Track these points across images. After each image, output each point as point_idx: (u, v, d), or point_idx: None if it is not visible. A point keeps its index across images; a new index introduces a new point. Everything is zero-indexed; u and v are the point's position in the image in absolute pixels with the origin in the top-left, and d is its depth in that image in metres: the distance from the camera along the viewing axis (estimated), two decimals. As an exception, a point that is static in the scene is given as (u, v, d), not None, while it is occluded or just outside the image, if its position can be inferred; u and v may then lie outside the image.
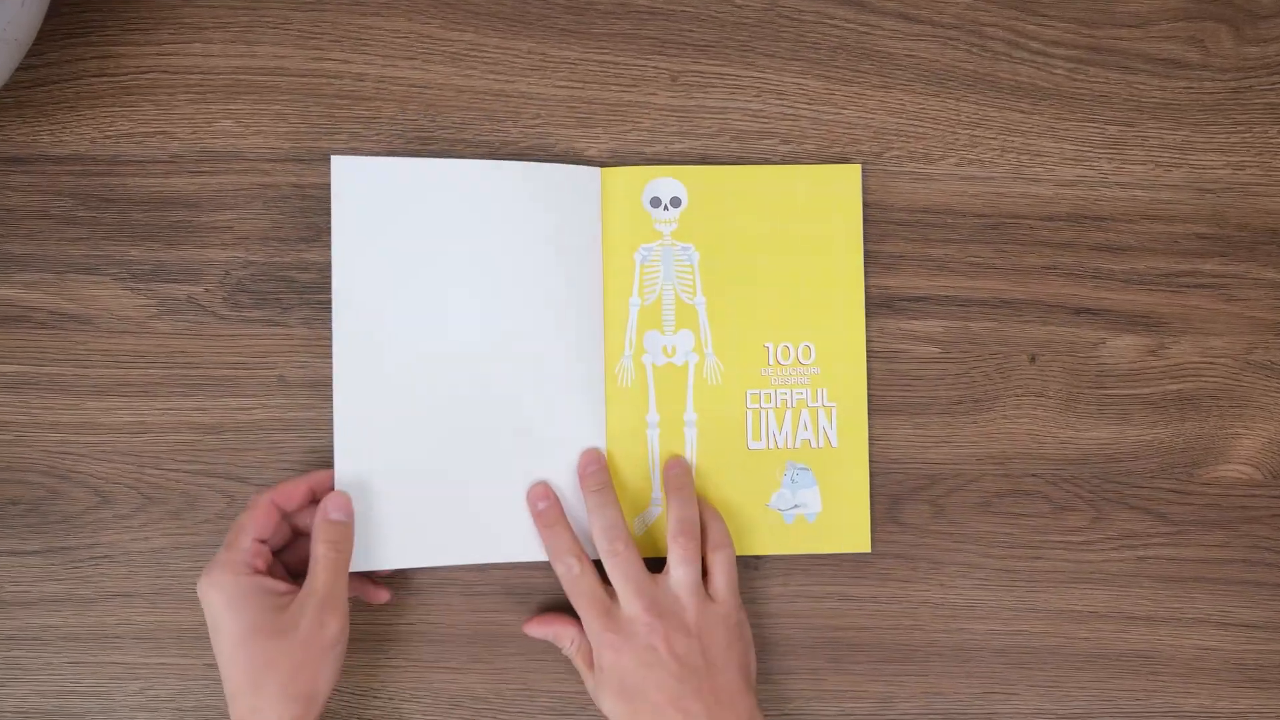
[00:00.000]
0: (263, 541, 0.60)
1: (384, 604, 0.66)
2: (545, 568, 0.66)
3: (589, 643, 0.62)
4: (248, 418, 0.66)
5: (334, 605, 0.58)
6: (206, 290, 0.66)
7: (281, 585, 0.59)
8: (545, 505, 0.62)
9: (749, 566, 0.68)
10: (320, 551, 0.59)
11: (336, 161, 0.63)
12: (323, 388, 0.66)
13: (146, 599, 0.66)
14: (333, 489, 0.62)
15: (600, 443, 0.65)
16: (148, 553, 0.66)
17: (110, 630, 0.66)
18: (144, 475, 0.66)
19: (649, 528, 0.66)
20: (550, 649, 0.67)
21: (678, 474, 0.63)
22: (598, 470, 0.62)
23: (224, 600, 0.57)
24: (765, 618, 0.68)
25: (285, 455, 0.66)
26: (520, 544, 0.64)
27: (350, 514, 0.61)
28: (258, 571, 0.59)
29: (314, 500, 0.62)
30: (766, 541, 0.67)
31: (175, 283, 0.66)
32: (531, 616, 0.64)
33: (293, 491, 0.61)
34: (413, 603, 0.67)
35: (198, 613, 0.65)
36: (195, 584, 0.65)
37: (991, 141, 0.68)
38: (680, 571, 0.61)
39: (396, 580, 0.67)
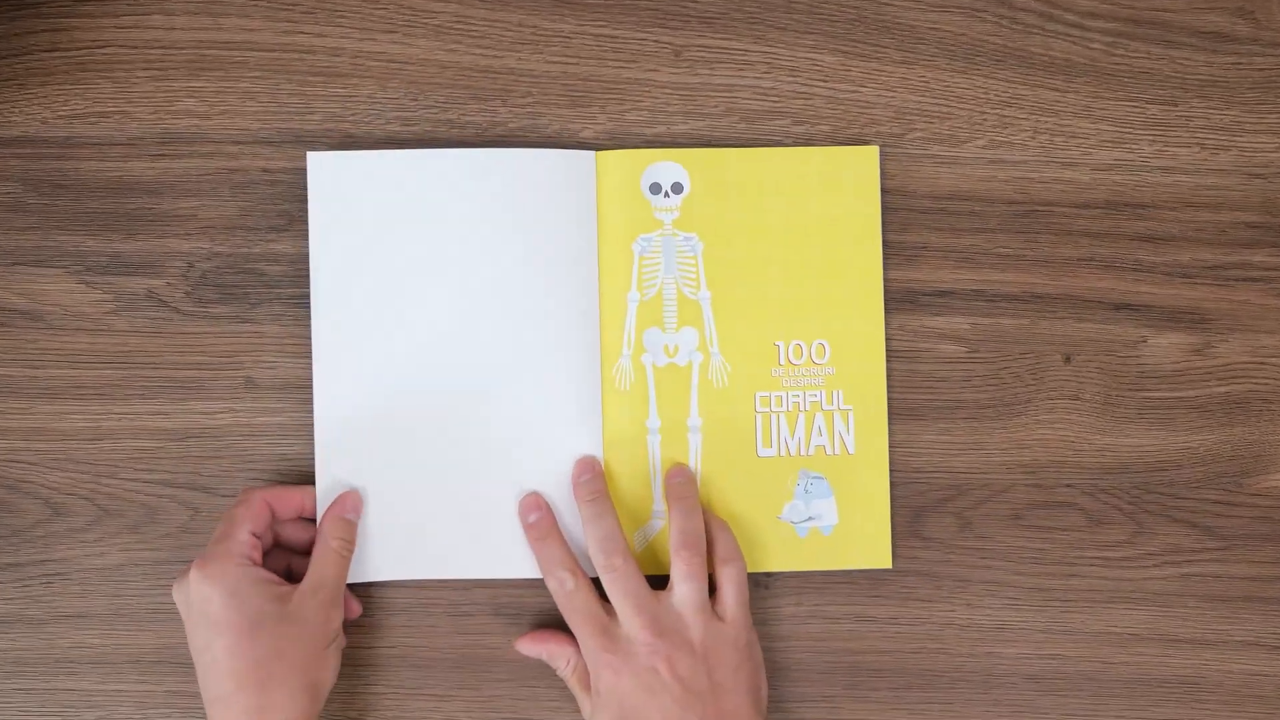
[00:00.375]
0: (257, 537, 0.59)
1: (357, 619, 0.64)
2: (537, 585, 0.64)
3: (585, 663, 0.60)
4: (213, 423, 0.64)
5: (336, 601, 0.58)
6: (168, 284, 0.64)
7: (279, 579, 0.58)
8: (537, 517, 0.61)
9: (759, 584, 0.65)
10: (333, 546, 0.59)
11: (313, 158, 0.62)
12: (294, 390, 0.64)
13: (103, 620, 0.64)
14: (315, 504, 0.62)
15: (596, 450, 0.64)
16: (104, 570, 0.64)
17: (63, 654, 0.64)
18: (100, 485, 0.64)
19: (650, 542, 0.64)
20: (543, 672, 0.65)
21: (680, 483, 0.61)
22: (592, 479, 0.61)
23: (224, 592, 0.56)
24: (776, 640, 0.65)
25: (254, 464, 0.64)
26: (510, 559, 0.63)
27: (359, 516, 0.61)
28: (255, 565, 0.58)
29: (302, 515, 0.62)
30: (778, 557, 0.64)
31: (134, 276, 0.64)
32: (524, 634, 0.62)
33: (287, 498, 0.61)
34: (393, 624, 0.64)
35: (159, 635, 0.64)
36: (158, 602, 0.64)
37: (1022, 122, 0.66)
38: (684, 588, 0.59)
39: (375, 599, 0.64)
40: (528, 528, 0.61)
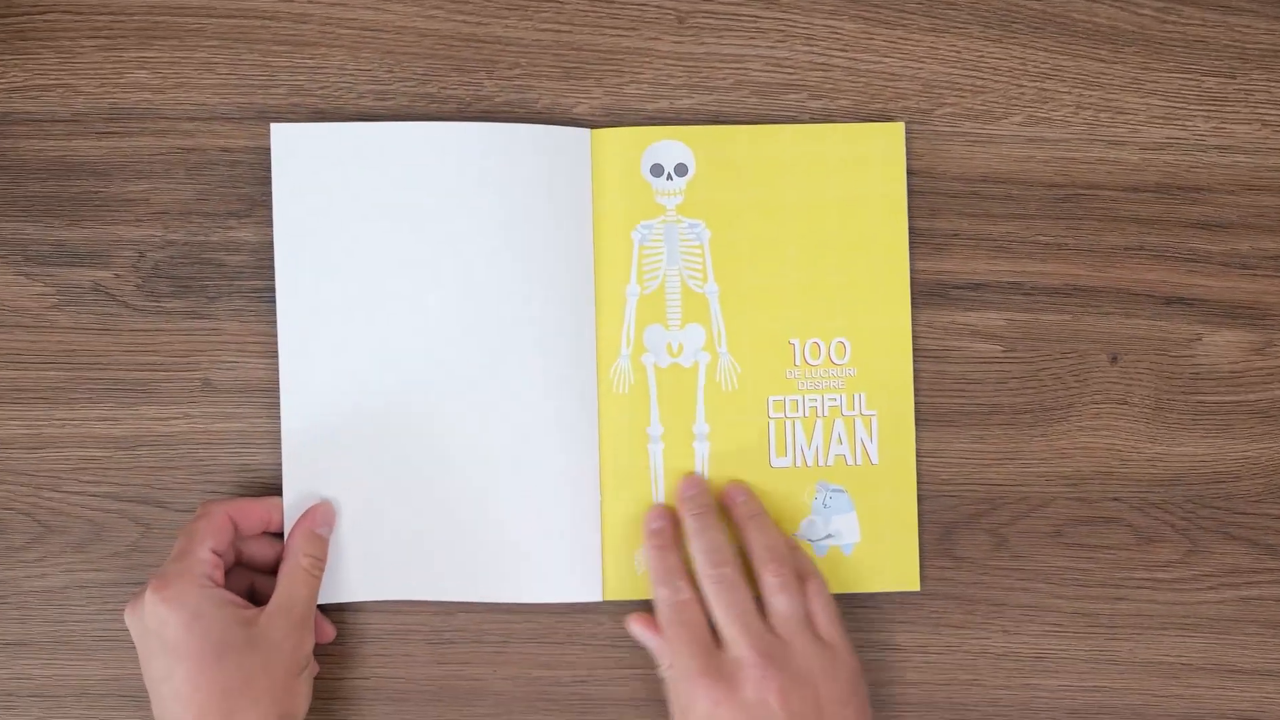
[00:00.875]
0: (219, 554, 0.58)
1: (329, 643, 0.62)
2: (525, 611, 0.63)
3: (673, 680, 0.59)
4: (167, 430, 0.63)
5: (307, 624, 0.58)
6: (117, 276, 0.63)
7: (243, 601, 0.58)
8: (661, 525, 0.61)
9: None
10: (302, 564, 0.59)
11: (277, 130, 0.61)
12: (257, 393, 0.63)
13: (44, 649, 0.63)
14: (283, 518, 0.62)
15: (591, 459, 0.62)
16: (46, 593, 0.63)
17: (1, 686, 0.63)
18: (41, 499, 0.63)
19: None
20: (532, 707, 0.63)
21: (746, 500, 0.61)
22: (698, 494, 0.61)
23: (184, 616, 0.55)
24: None
25: (213, 475, 0.63)
26: (496, 581, 0.62)
27: (331, 530, 0.61)
28: (217, 585, 0.57)
29: (267, 530, 0.61)
30: None
31: (79, 267, 0.63)
32: (637, 614, 0.61)
33: (250, 511, 0.60)
34: (366, 651, 0.63)
35: (108, 664, 0.63)
36: (106, 628, 0.63)
37: (1064, 96, 0.64)
38: (781, 601, 0.58)
39: (347, 623, 0.63)
40: (650, 534, 0.61)
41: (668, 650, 0.59)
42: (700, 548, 0.59)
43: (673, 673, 0.58)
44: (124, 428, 0.63)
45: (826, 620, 0.59)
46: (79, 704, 0.63)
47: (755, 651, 0.56)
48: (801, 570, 0.60)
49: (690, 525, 0.60)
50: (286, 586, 0.58)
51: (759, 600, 0.59)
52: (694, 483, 0.62)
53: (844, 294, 0.63)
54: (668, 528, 0.61)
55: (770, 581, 0.59)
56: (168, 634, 0.55)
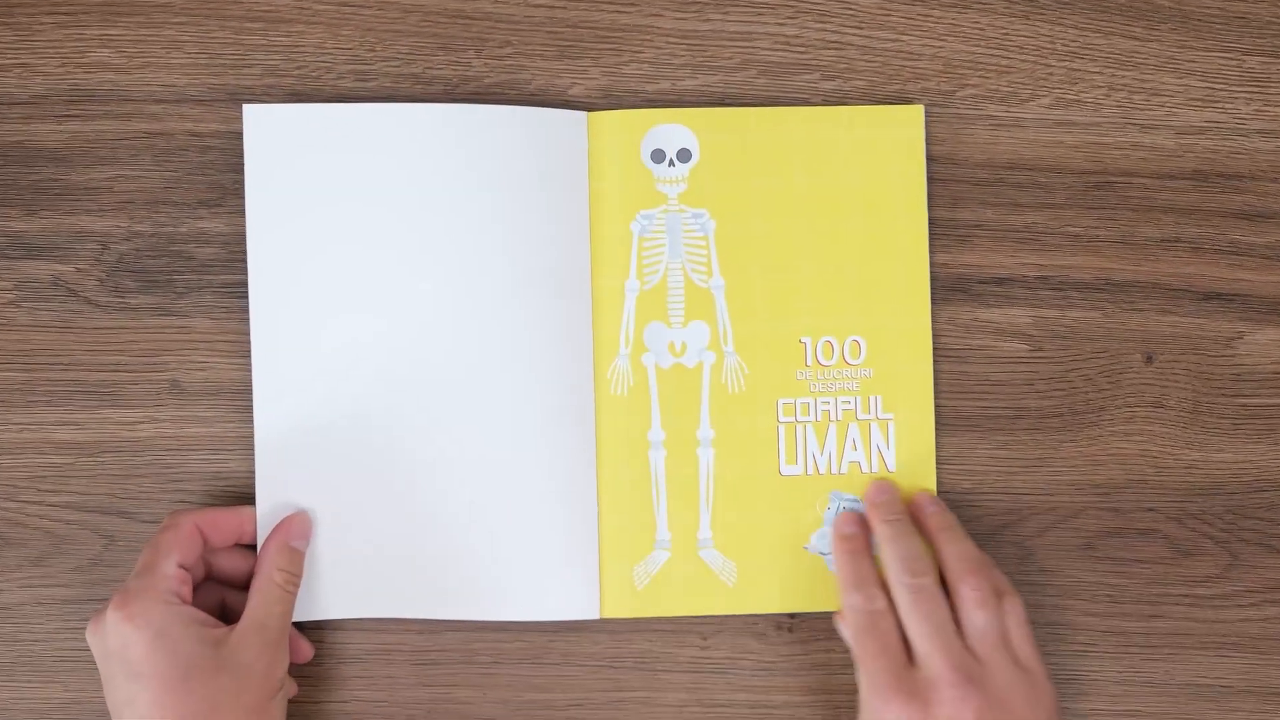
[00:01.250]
0: (186, 569, 0.57)
1: (305, 664, 0.62)
2: (517, 630, 0.62)
3: (864, 696, 0.58)
4: (131, 435, 0.62)
5: (281, 644, 0.57)
6: (78, 270, 0.62)
7: (212, 619, 0.57)
8: (853, 531, 0.61)
9: (780, 627, 0.63)
10: (276, 579, 0.58)
11: (250, 111, 0.61)
12: (228, 395, 0.62)
13: (1, 670, 0.62)
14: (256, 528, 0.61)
15: (589, 467, 0.61)
16: (2, 610, 0.62)
17: None
18: None
19: (653, 577, 0.62)
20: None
21: (938, 511, 0.61)
22: (890, 499, 0.61)
23: (149, 635, 0.54)
24: (804, 695, 0.63)
25: (181, 483, 0.62)
26: (486, 598, 0.61)
27: (308, 543, 0.60)
28: (185, 602, 0.56)
29: (239, 543, 0.61)
30: (804, 595, 0.63)
31: (38, 260, 0.62)
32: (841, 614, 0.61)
33: (221, 522, 0.59)
34: (346, 673, 0.62)
35: (69, 686, 0.62)
36: (67, 647, 0.62)
37: (1095, 77, 0.64)
38: (979, 618, 0.57)
39: (326, 642, 0.63)
40: (841, 539, 0.60)
41: (856, 660, 0.58)
42: (896, 554, 0.59)
43: (861, 684, 0.58)
44: (86, 433, 0.62)
45: (1023, 642, 0.58)
46: (38, 729, 0.62)
47: (953, 670, 0.55)
48: (998, 587, 0.59)
49: (883, 531, 0.60)
50: (259, 603, 0.57)
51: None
52: (884, 488, 0.61)
53: (859, 289, 0.62)
54: (861, 534, 0.61)
55: (968, 595, 0.58)
56: (131, 655, 0.54)
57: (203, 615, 0.56)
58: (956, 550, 0.59)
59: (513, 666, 0.62)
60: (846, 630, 0.59)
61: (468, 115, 0.60)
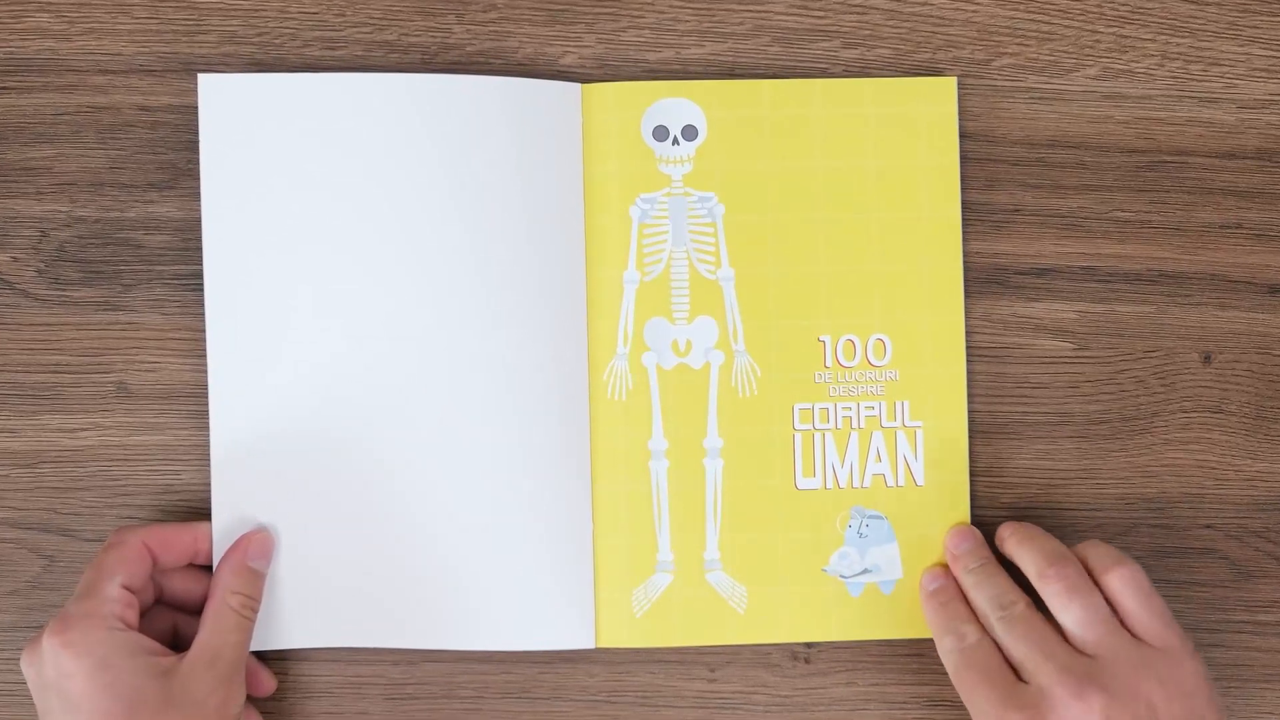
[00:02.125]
0: (132, 591, 0.56)
1: (268, 698, 0.60)
2: (501, 660, 0.60)
3: None
4: (74, 443, 0.61)
5: (236, 677, 0.56)
6: (15, 260, 0.61)
7: (160, 647, 0.56)
8: (940, 585, 0.60)
9: (796, 658, 0.62)
10: (231, 604, 0.57)
11: (205, 82, 0.60)
12: (181, 399, 0.61)
13: None
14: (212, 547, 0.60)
15: (584, 480, 0.60)
16: None
17: None
18: None
19: (655, 602, 0.60)
20: None
21: (1013, 532, 0.60)
22: (974, 546, 0.60)
23: (89, 665, 0.53)
24: None
25: (129, 497, 0.61)
26: (468, 626, 0.60)
27: (269, 564, 0.59)
28: (129, 628, 0.55)
29: (194, 562, 0.59)
30: (823, 622, 0.62)
31: None
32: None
33: (172, 538, 0.58)
34: (313, 709, 0.61)
35: (4, 718, 0.60)
36: (2, 677, 0.60)
37: (1148, 44, 0.62)
38: (1075, 609, 0.56)
39: (291, 675, 0.61)
40: (929, 595, 0.60)
41: (966, 705, 0.58)
42: (985, 596, 0.59)
43: None
44: (23, 440, 0.61)
45: (1148, 615, 0.56)
46: (-31, 770, 0.60)
47: (1061, 673, 0.54)
48: (1096, 565, 0.58)
49: (968, 581, 0.60)
50: (211, 630, 0.56)
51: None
52: (965, 535, 0.61)
53: (884, 282, 0.62)
54: (949, 584, 0.60)
55: (1053, 589, 0.57)
56: (70, 687, 0.53)
57: (150, 643, 0.55)
58: (1028, 551, 0.58)
59: (498, 702, 0.61)
60: (952, 678, 0.59)
61: (448, 87, 0.60)
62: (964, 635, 0.58)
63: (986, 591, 0.59)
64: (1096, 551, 0.58)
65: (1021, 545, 0.60)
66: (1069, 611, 0.56)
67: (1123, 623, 0.57)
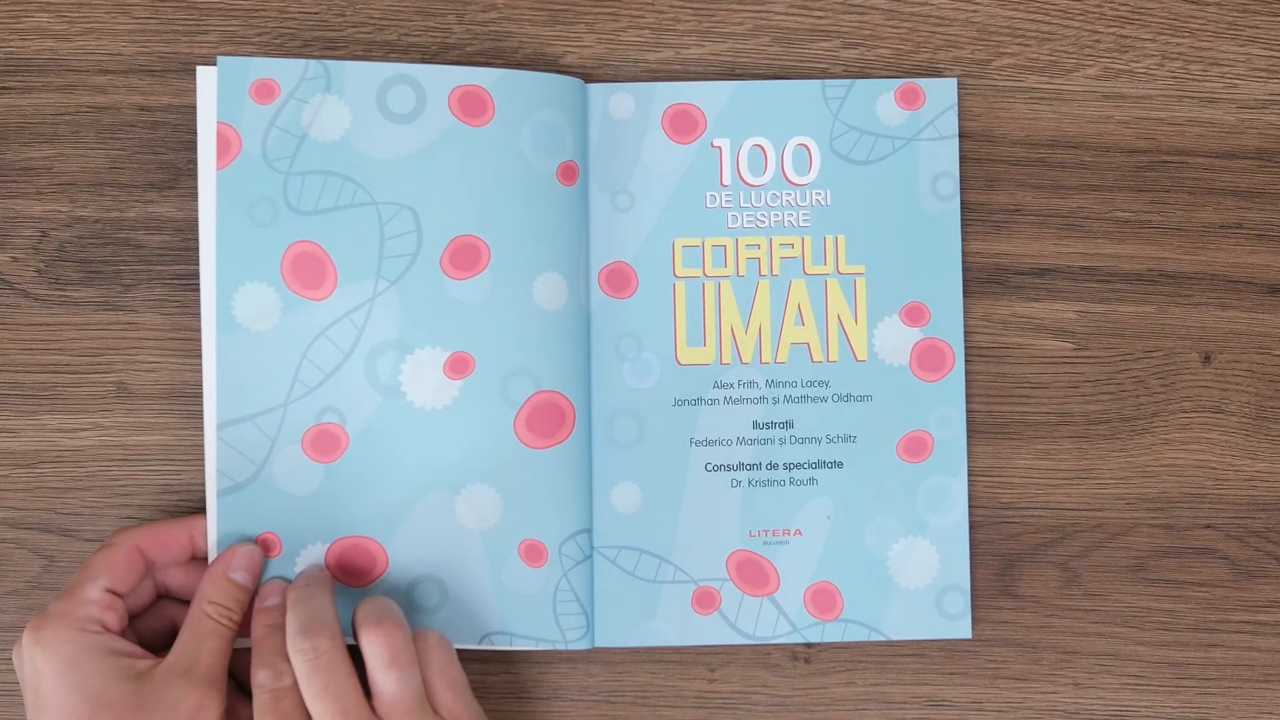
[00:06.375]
0: (117, 594, 0.56)
1: None
2: (501, 661, 0.61)
3: None
4: (74, 444, 0.61)
5: (213, 686, 0.55)
6: (15, 260, 0.61)
7: (138, 650, 0.55)
8: (276, 601, 0.58)
9: (797, 658, 0.62)
10: (208, 612, 0.56)
11: (204, 75, 0.59)
12: (181, 400, 0.61)
13: None
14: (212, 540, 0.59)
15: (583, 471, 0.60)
16: None
17: None
18: None
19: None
20: None
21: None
22: (311, 568, 0.60)
23: (57, 664, 0.53)
24: None
25: (128, 497, 0.61)
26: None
27: (256, 577, 0.58)
28: (107, 630, 0.55)
29: (194, 556, 0.59)
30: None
31: None
32: None
33: (167, 538, 0.58)
34: None
35: (4, 717, 0.60)
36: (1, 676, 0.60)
37: (1148, 44, 0.63)
38: (389, 681, 0.54)
39: None
40: (259, 613, 0.58)
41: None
42: (293, 619, 0.56)
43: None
44: (23, 441, 0.60)
45: (452, 697, 0.55)
46: (-30, 769, 0.59)
47: None
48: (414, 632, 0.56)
49: (290, 595, 0.57)
50: (187, 637, 0.56)
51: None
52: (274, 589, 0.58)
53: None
54: (282, 604, 0.58)
55: (376, 652, 0.55)
56: (40, 684, 0.53)
57: (126, 645, 0.54)
58: (362, 604, 0.56)
59: (496, 701, 0.60)
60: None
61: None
62: (280, 674, 0.55)
63: (299, 612, 0.56)
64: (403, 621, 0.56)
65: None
66: (383, 678, 0.54)
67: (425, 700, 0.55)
